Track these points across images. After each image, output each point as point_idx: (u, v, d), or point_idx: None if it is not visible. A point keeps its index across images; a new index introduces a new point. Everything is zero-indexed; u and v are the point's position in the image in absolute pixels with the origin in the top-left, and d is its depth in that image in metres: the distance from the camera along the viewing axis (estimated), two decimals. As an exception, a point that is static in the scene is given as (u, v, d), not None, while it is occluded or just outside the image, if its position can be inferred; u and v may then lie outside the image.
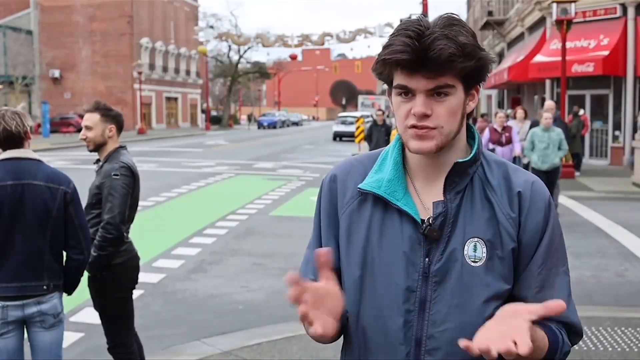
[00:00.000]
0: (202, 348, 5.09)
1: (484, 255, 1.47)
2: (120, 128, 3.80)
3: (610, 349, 4.95)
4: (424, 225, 1.47)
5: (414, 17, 1.49)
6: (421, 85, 1.42)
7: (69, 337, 5.17)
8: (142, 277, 6.98)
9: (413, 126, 1.44)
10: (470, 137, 1.57)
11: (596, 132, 21.05)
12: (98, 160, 3.80)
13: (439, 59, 1.37)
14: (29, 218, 3.16)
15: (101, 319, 3.84)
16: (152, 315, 6.07)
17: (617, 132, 20.34)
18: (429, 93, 1.42)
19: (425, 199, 1.52)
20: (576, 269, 7.67)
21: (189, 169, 19.75)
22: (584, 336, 5.18)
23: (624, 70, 19.30)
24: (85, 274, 3.65)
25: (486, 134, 12.34)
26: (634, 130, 17.67)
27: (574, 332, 1.55)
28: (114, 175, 3.60)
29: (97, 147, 3.74)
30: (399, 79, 1.44)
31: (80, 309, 5.94)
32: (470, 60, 1.41)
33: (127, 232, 3.77)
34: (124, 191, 3.60)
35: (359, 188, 1.54)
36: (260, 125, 61.22)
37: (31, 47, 45.37)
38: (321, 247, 1.63)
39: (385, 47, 1.43)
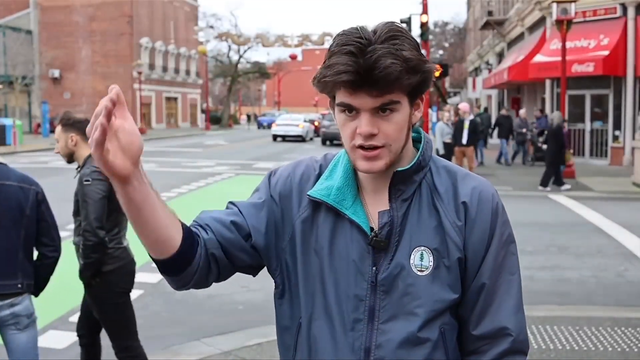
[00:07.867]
0: (202, 348, 5.09)
1: (431, 264, 1.44)
2: (85, 133, 3.76)
3: (610, 349, 4.95)
4: (371, 236, 1.45)
5: (352, 28, 1.39)
6: (366, 104, 1.36)
7: (69, 337, 5.18)
8: (142, 277, 7.02)
9: (361, 146, 1.40)
10: (418, 141, 1.52)
11: (596, 132, 21.06)
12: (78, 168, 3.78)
13: (384, 78, 1.32)
14: (3, 218, 3.19)
15: (102, 325, 3.85)
16: (152, 315, 6.07)
17: (617, 132, 20.34)
18: (374, 111, 1.37)
19: (373, 207, 1.49)
20: (576, 269, 7.68)
21: (189, 169, 19.73)
22: (584, 336, 5.20)
23: (624, 70, 19.31)
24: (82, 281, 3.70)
25: None
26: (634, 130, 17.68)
27: (520, 343, 1.47)
28: (85, 181, 3.56)
29: (70, 158, 3.74)
30: (342, 97, 1.39)
31: (79, 309, 5.92)
32: (416, 75, 1.36)
33: (119, 237, 3.71)
34: (97, 196, 3.53)
35: (308, 195, 1.51)
36: (260, 125, 61.32)
37: (31, 47, 45.30)
38: (251, 210, 1.57)
39: (326, 67, 1.36)
